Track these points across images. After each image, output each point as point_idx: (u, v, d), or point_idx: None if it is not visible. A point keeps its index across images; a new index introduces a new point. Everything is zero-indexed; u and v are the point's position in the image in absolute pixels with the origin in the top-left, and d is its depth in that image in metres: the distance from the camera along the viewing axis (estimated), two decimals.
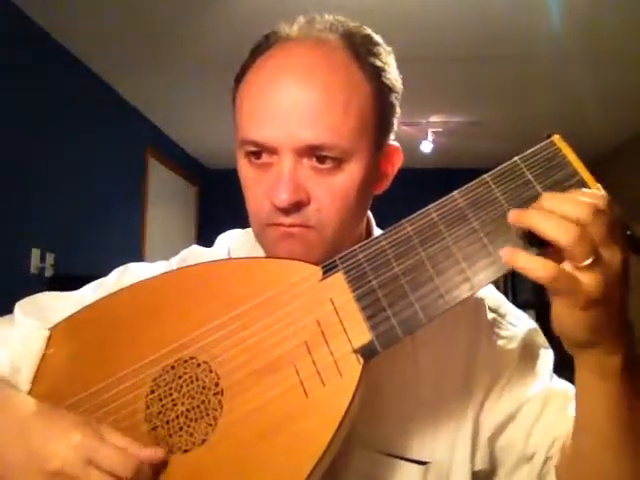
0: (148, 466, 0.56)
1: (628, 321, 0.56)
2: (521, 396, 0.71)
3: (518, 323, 0.76)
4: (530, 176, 0.58)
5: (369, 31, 0.70)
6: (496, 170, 0.59)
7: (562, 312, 0.54)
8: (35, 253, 2.90)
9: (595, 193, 0.54)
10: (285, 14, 0.72)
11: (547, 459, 0.68)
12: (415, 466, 0.69)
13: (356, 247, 0.61)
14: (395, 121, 0.71)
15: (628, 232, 0.54)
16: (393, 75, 0.69)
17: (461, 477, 0.70)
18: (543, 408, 0.70)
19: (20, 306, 0.72)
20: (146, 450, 0.57)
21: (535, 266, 0.51)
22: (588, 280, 0.51)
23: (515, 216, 0.54)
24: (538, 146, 0.59)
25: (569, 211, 0.51)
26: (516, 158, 0.59)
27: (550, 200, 0.53)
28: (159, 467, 0.57)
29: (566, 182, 0.57)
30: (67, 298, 0.75)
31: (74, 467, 0.53)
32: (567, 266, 0.52)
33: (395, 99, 0.70)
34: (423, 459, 0.69)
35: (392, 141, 0.72)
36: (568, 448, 0.65)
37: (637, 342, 0.58)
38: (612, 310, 0.53)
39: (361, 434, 0.65)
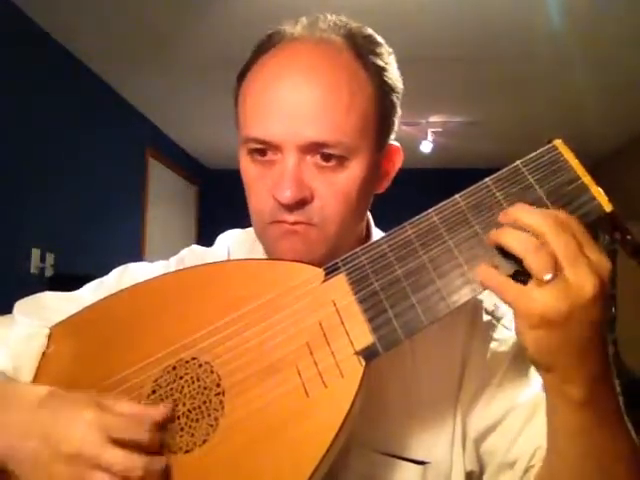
0: (158, 429, 0.57)
1: (601, 346, 0.53)
2: (509, 402, 0.70)
3: (513, 327, 0.75)
4: (532, 180, 0.58)
5: (371, 31, 0.70)
6: (498, 174, 0.59)
7: (517, 327, 0.53)
8: (35, 253, 2.91)
9: (559, 212, 0.54)
10: (284, 15, 0.72)
11: (528, 468, 0.66)
12: (414, 466, 0.69)
13: (358, 249, 0.61)
14: (396, 121, 0.72)
15: (628, 237, 0.54)
16: (394, 75, 0.70)
17: (460, 478, 0.70)
18: (531, 417, 0.68)
19: (19, 306, 0.72)
20: (157, 408, 0.58)
21: (480, 273, 0.54)
22: (541, 297, 0.50)
23: (490, 237, 0.56)
24: (540, 150, 0.59)
25: (529, 220, 0.52)
26: (518, 162, 0.59)
27: (515, 211, 0.54)
28: (169, 465, 0.57)
29: (568, 186, 0.57)
30: (67, 298, 0.75)
31: (90, 446, 0.53)
32: (531, 282, 0.52)
33: (396, 99, 0.70)
34: (422, 459, 0.69)
35: (393, 141, 0.72)
36: (544, 463, 0.64)
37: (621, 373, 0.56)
38: (573, 334, 0.51)
39: (360, 434, 0.65)
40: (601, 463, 0.57)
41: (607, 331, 0.54)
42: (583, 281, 0.50)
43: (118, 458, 0.53)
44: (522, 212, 0.54)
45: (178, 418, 0.60)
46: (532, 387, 0.71)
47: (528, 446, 0.67)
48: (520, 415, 0.69)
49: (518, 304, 0.52)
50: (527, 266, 0.51)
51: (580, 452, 0.57)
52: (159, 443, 0.57)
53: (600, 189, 0.56)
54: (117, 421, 0.55)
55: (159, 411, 0.58)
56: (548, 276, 0.50)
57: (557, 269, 0.51)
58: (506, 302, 0.53)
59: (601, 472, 0.58)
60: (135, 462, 0.53)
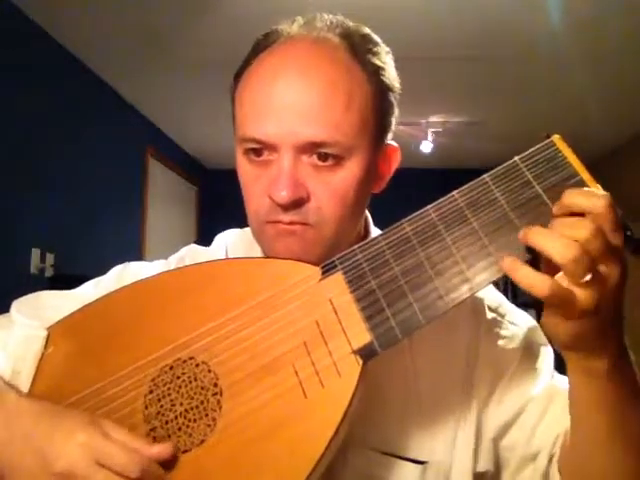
0: (156, 464, 0.56)
1: (620, 319, 0.56)
2: (524, 396, 0.71)
3: (518, 322, 0.76)
4: (530, 176, 0.57)
5: (368, 30, 0.70)
6: (496, 170, 0.59)
7: (553, 321, 0.54)
8: (35, 253, 2.90)
9: (603, 201, 0.52)
10: (285, 15, 0.72)
11: (551, 457, 0.68)
12: (413, 465, 0.68)
13: (355, 247, 0.60)
14: (393, 121, 0.71)
15: (628, 233, 0.54)
16: (392, 74, 0.69)
17: (461, 478, 0.69)
18: (546, 407, 0.70)
19: (18, 304, 0.72)
20: (155, 447, 0.57)
21: (534, 281, 0.51)
22: (584, 295, 0.51)
23: (523, 235, 0.53)
24: (538, 146, 0.59)
25: (574, 233, 0.51)
26: (516, 158, 0.59)
27: (558, 226, 0.52)
28: (168, 464, 0.57)
29: (566, 182, 0.56)
30: (65, 296, 0.75)
31: (81, 467, 0.53)
32: (564, 279, 0.51)
33: (394, 99, 0.70)
34: (421, 458, 0.69)
35: (390, 141, 0.72)
36: (566, 443, 0.65)
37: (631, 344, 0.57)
38: (604, 318, 0.53)
39: (359, 433, 0.65)
40: (624, 438, 0.59)
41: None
42: (615, 274, 0.52)
43: None
44: (562, 226, 0.52)
45: (175, 418, 0.60)
46: (543, 378, 0.72)
47: (548, 436, 0.68)
48: (536, 407, 0.70)
49: (558, 302, 0.52)
50: (566, 272, 0.51)
51: (604, 428, 0.58)
52: (152, 475, 0.55)
53: (599, 185, 0.56)
54: (110, 448, 0.54)
55: (157, 450, 0.57)
56: (588, 278, 0.51)
57: (594, 270, 0.51)
58: (541, 298, 0.52)
59: (624, 448, 0.59)
60: None
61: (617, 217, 0.52)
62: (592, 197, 0.52)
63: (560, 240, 0.51)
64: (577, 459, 0.64)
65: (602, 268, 0.51)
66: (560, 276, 0.52)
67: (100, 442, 0.55)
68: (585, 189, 0.54)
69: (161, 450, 0.57)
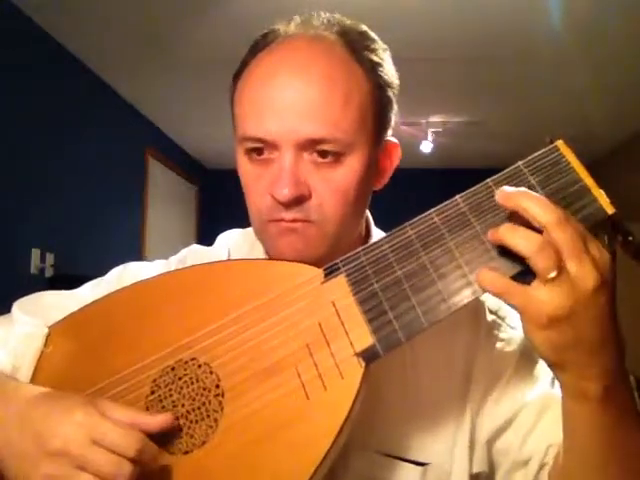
0: (152, 443, 0.55)
1: (613, 341, 0.53)
2: (519, 400, 0.70)
3: (517, 326, 0.75)
4: (533, 181, 0.57)
5: (365, 28, 0.70)
6: (499, 175, 0.59)
7: (526, 330, 0.53)
8: (35, 253, 2.90)
9: (556, 207, 0.52)
10: (285, 15, 0.72)
11: (542, 465, 0.67)
12: (414, 467, 0.68)
13: (358, 250, 0.60)
14: (393, 117, 0.71)
15: (630, 238, 0.54)
16: (390, 71, 0.70)
17: (461, 479, 0.69)
18: (541, 414, 0.69)
19: (19, 304, 0.72)
20: (156, 417, 0.57)
21: (484, 278, 0.53)
22: (548, 297, 0.50)
23: (491, 235, 0.55)
24: (541, 151, 0.58)
25: (535, 210, 0.51)
26: (519, 163, 0.58)
27: (520, 197, 0.53)
28: (169, 465, 0.57)
29: (569, 188, 0.56)
30: (66, 296, 0.75)
31: (77, 446, 0.53)
32: (535, 282, 0.51)
33: (392, 94, 0.70)
34: (422, 460, 0.69)
35: (390, 137, 0.72)
36: (558, 459, 0.64)
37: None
38: (580, 328, 0.51)
39: (360, 435, 0.65)
40: (619, 461, 0.58)
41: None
42: (585, 275, 0.50)
43: (103, 461, 0.52)
44: (528, 200, 0.53)
45: (177, 419, 0.59)
46: (540, 385, 0.71)
47: (540, 443, 0.67)
48: (531, 413, 0.69)
49: (526, 307, 0.52)
50: (532, 266, 0.51)
51: (598, 450, 0.57)
52: (148, 457, 0.54)
53: (602, 191, 0.56)
54: (105, 427, 0.53)
55: (155, 420, 0.56)
56: (553, 274, 0.50)
57: (561, 265, 0.50)
58: (512, 305, 0.53)
59: (619, 470, 0.58)
60: (123, 468, 0.52)
61: (576, 233, 0.51)
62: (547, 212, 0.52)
63: (524, 231, 0.51)
64: (567, 478, 0.63)
65: (570, 266, 0.50)
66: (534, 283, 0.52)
67: (96, 420, 0.54)
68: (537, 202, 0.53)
69: (162, 420, 0.56)
